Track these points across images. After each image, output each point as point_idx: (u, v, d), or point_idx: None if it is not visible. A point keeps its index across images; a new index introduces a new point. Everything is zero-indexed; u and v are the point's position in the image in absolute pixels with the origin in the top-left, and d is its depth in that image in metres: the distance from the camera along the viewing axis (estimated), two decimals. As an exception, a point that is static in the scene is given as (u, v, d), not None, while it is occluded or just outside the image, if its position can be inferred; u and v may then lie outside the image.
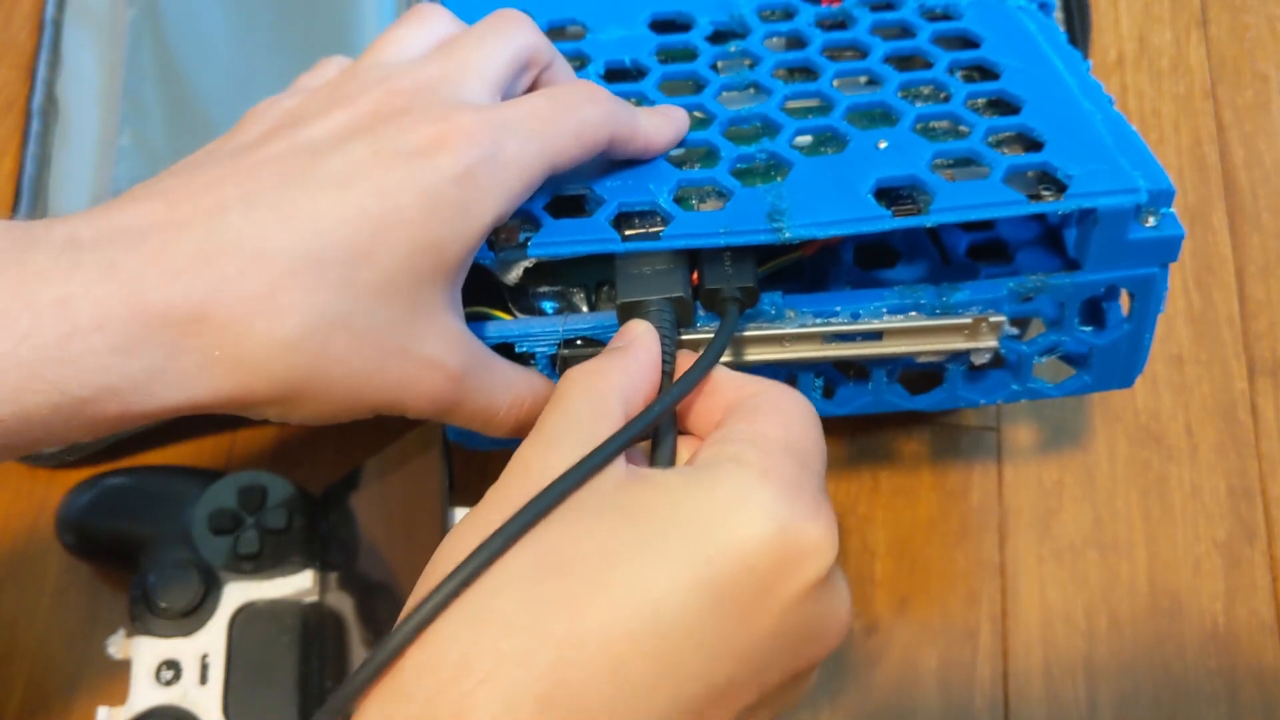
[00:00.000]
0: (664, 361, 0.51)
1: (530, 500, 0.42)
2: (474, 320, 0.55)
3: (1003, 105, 0.59)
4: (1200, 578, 0.70)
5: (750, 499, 0.43)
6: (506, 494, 0.44)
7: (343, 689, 0.41)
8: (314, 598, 0.66)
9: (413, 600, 0.42)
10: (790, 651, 0.44)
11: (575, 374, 0.48)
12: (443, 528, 0.60)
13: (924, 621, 0.69)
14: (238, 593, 0.65)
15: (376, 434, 0.66)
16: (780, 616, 0.43)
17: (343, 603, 0.66)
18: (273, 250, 0.45)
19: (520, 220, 0.55)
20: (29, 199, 0.76)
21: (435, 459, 0.61)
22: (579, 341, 0.55)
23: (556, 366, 0.56)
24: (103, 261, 0.44)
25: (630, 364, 0.49)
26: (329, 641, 0.65)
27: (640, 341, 0.51)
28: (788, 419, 0.47)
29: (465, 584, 0.41)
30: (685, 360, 0.51)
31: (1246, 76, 0.87)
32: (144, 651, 0.64)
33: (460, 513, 0.61)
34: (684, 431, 0.50)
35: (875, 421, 0.75)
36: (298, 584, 0.66)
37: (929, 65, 0.61)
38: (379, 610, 0.63)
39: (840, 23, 0.65)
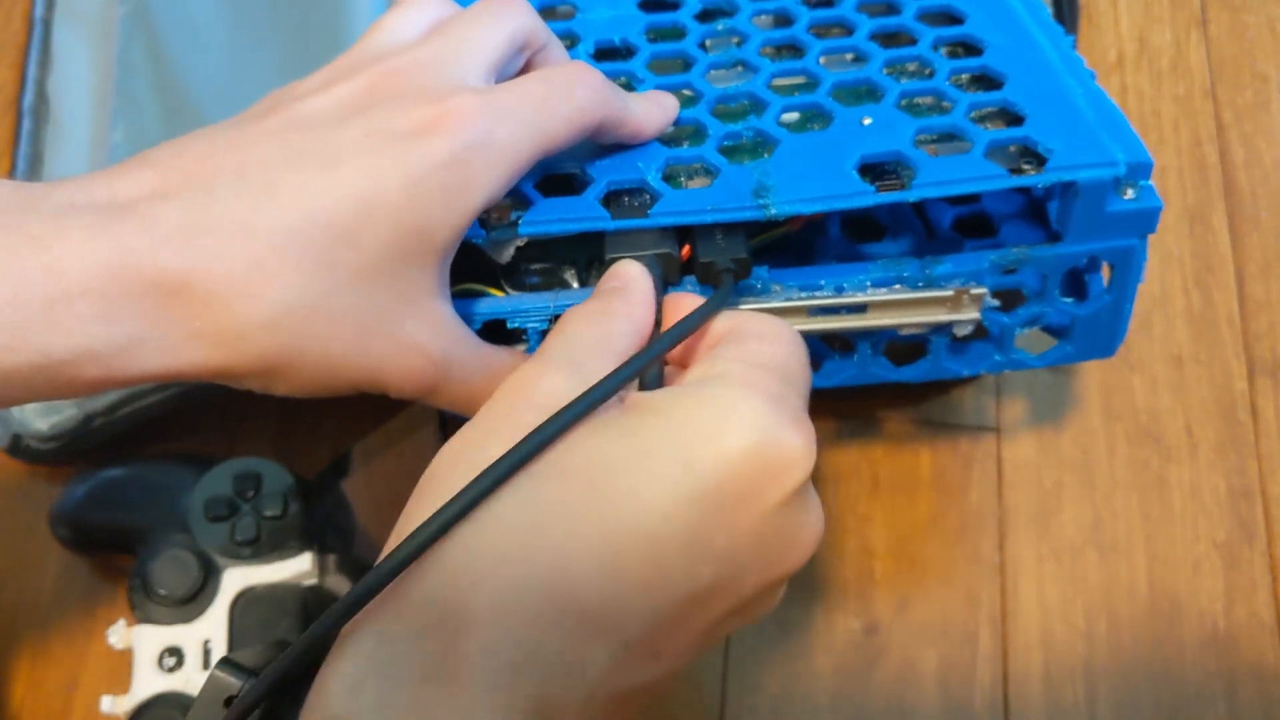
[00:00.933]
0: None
1: (540, 425, 0.43)
2: (465, 297, 0.55)
3: (985, 81, 0.59)
4: (1200, 578, 0.70)
5: (736, 411, 0.45)
6: (501, 413, 0.45)
7: (336, 606, 0.41)
8: (313, 580, 0.66)
9: (403, 525, 0.43)
10: (766, 557, 0.46)
11: (579, 309, 0.50)
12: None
13: (923, 622, 0.69)
14: (237, 578, 0.65)
15: (376, 421, 0.66)
16: (760, 521, 0.44)
17: (342, 584, 0.66)
18: (258, 227, 0.46)
19: (512, 199, 0.55)
20: (21, 199, 0.75)
21: (431, 435, 0.61)
22: None
23: None
24: (92, 228, 0.44)
25: (632, 308, 0.50)
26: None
27: (636, 284, 0.52)
28: (773, 342, 0.49)
29: (473, 505, 0.42)
30: (681, 302, 0.52)
31: (1246, 76, 0.87)
32: (145, 640, 0.64)
33: None
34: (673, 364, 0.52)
35: (874, 421, 0.75)
36: (297, 567, 0.66)
37: (913, 42, 0.61)
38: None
39: (827, 0, 0.65)
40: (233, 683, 0.51)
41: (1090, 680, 0.67)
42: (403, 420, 0.65)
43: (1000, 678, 0.67)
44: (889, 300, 0.55)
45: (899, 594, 0.70)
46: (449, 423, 0.61)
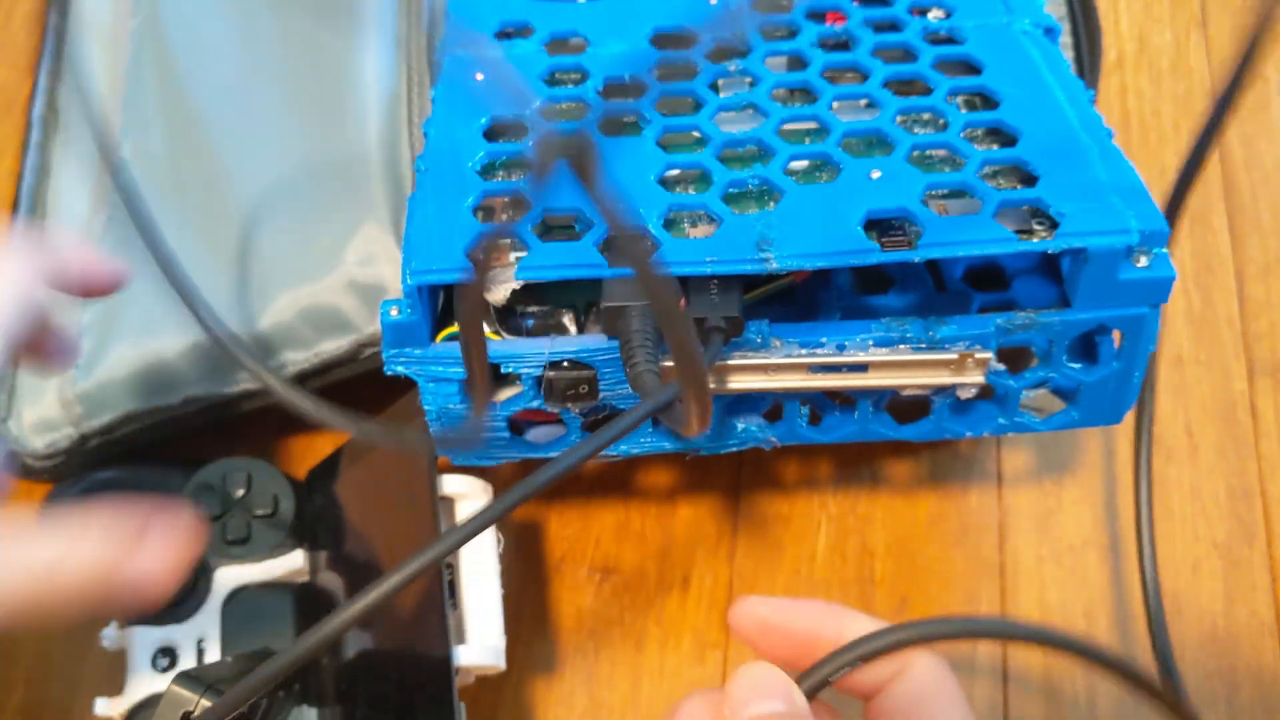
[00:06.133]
0: (648, 362, 0.49)
1: None
2: (457, 340, 0.53)
3: (1000, 135, 0.56)
4: (1199, 578, 0.67)
5: None
6: None
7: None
8: (305, 578, 0.64)
9: None
10: None
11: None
12: (433, 497, 0.59)
13: (923, 622, 0.67)
14: (229, 577, 0.63)
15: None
16: None
17: (334, 581, 0.64)
18: None
19: (510, 241, 0.53)
20: (27, 209, 0.73)
21: (418, 431, 0.59)
22: (565, 364, 0.53)
23: (542, 388, 0.53)
24: None
25: None
26: (322, 619, 0.63)
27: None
28: None
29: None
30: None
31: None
32: (139, 640, 0.62)
33: (447, 480, 0.60)
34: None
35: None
36: (289, 565, 0.64)
37: (928, 91, 0.58)
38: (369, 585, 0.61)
39: (843, 42, 0.62)
40: (190, 697, 0.50)
41: (1090, 680, 0.65)
42: (389, 418, 0.62)
43: (1000, 677, 0.65)
44: (891, 361, 0.52)
45: (899, 594, 0.67)
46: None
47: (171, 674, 0.60)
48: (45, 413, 0.67)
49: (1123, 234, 0.49)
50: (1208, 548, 0.68)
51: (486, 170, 0.57)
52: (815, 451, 0.70)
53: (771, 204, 0.53)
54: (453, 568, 0.59)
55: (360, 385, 0.67)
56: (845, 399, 0.57)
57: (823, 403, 0.57)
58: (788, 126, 0.57)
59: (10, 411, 0.67)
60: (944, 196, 0.53)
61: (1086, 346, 0.56)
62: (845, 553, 0.68)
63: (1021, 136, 0.54)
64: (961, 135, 0.55)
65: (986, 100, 0.58)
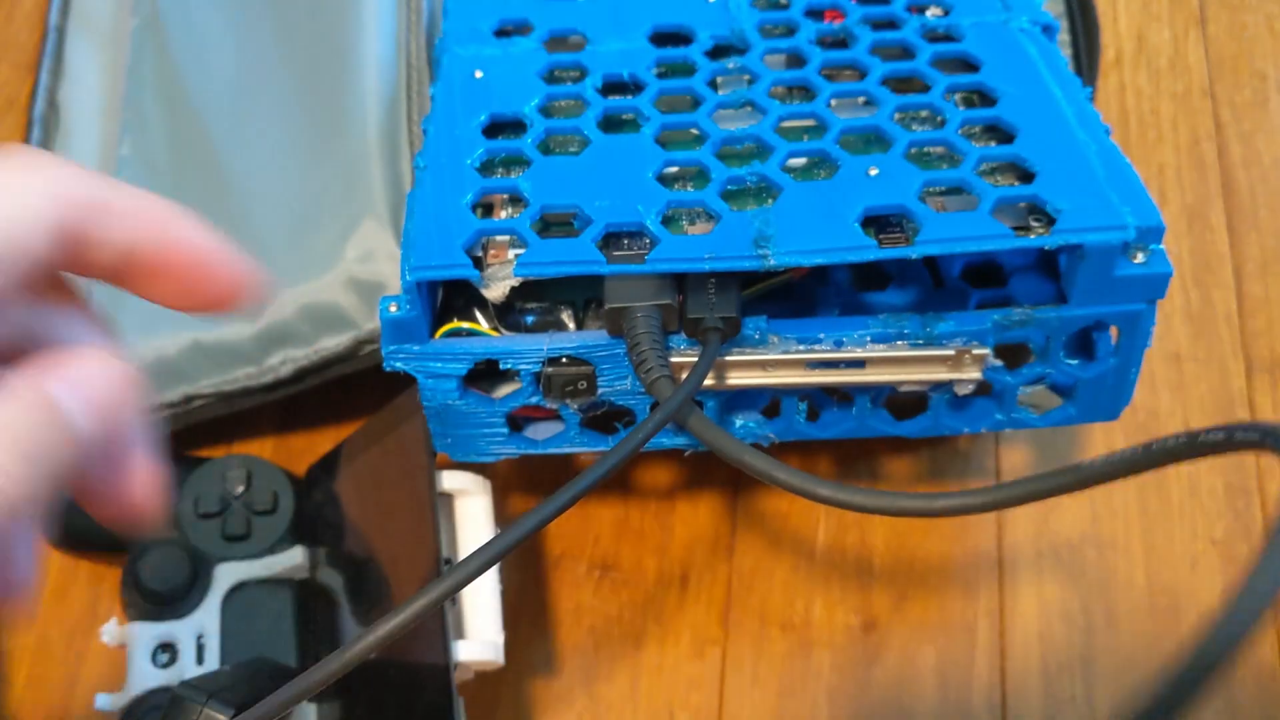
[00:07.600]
0: (659, 367, 0.49)
1: None
2: (458, 337, 0.53)
3: (997, 133, 0.56)
4: (1198, 575, 0.67)
5: None
6: None
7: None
8: (305, 574, 0.64)
9: None
10: None
11: None
12: (431, 490, 0.59)
13: (921, 618, 0.67)
14: (229, 573, 0.63)
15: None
16: None
17: (333, 577, 0.64)
18: None
19: (509, 238, 0.53)
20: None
21: (416, 427, 0.60)
22: (564, 360, 0.53)
23: (541, 384, 0.53)
24: None
25: None
26: (321, 615, 0.64)
27: None
28: None
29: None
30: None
31: (1244, 75, 0.83)
32: (139, 636, 0.62)
33: (446, 476, 0.60)
34: None
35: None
36: (288, 561, 0.64)
37: (926, 89, 0.58)
38: (368, 582, 0.62)
39: (841, 40, 0.62)
40: (194, 706, 0.51)
41: (1088, 675, 0.64)
42: (389, 414, 0.62)
43: (998, 672, 0.65)
44: (889, 357, 0.52)
45: (897, 590, 0.67)
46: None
47: (171, 669, 0.61)
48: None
49: (1119, 230, 0.49)
50: (1205, 544, 0.68)
51: (485, 167, 0.56)
52: (814, 448, 0.70)
53: (770, 201, 0.53)
54: (451, 563, 0.59)
55: (359, 382, 0.67)
56: (843, 395, 0.56)
57: (821, 399, 0.56)
58: (786, 124, 0.57)
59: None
60: (942, 193, 0.53)
61: (1084, 343, 0.56)
62: (844, 549, 0.68)
63: (1019, 133, 0.54)
64: (959, 132, 0.55)
65: (984, 97, 0.58)
